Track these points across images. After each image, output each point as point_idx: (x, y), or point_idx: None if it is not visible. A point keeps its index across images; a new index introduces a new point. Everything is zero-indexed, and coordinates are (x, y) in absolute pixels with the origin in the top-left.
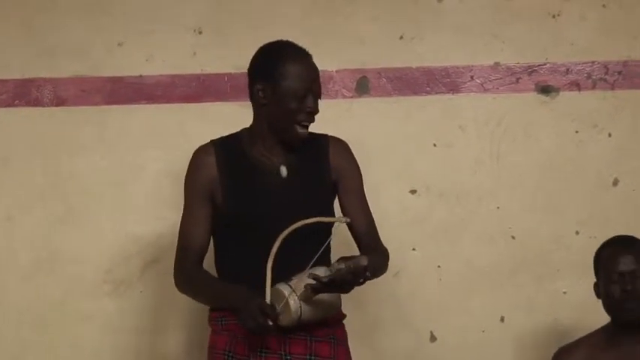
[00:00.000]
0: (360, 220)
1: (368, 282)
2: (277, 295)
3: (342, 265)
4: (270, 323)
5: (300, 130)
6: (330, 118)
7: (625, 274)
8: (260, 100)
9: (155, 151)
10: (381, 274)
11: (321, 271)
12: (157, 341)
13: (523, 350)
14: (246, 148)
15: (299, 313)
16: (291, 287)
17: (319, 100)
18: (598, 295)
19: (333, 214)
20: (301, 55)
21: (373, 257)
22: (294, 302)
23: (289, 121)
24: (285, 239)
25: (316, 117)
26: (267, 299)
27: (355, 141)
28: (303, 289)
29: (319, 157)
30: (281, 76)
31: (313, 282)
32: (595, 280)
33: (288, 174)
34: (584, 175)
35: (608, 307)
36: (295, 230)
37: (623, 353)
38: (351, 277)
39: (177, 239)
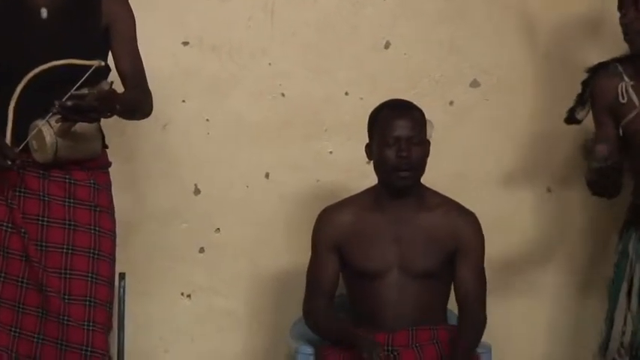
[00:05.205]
0: (126, 64)
1: (136, 131)
2: (35, 131)
3: (86, 91)
4: (9, 162)
5: None
6: None
7: (401, 139)
8: None
9: None
10: (141, 112)
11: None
12: None
13: (287, 207)
14: None
15: (54, 147)
16: (47, 121)
17: None
18: (369, 157)
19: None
20: None
21: (132, 93)
22: (49, 136)
23: None
24: (42, 81)
25: None
26: (8, 139)
27: None
28: (59, 124)
29: (90, 1)
30: None
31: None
32: (367, 141)
33: (51, 16)
34: (358, 36)
35: (381, 171)
36: (55, 73)
37: (389, 216)
38: (97, 104)
39: None
